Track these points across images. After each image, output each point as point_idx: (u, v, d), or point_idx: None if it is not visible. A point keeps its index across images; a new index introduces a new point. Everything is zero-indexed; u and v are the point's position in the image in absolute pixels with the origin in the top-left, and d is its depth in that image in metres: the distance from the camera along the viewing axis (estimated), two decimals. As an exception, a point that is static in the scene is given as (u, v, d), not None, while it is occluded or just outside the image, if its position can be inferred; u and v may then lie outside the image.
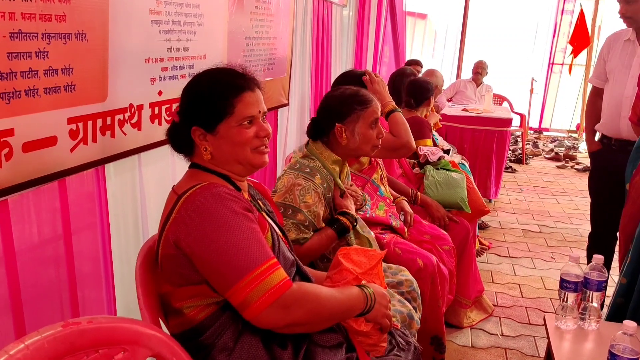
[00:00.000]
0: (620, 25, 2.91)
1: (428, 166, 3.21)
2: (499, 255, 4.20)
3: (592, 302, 1.87)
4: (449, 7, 9.22)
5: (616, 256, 2.93)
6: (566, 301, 1.88)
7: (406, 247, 2.46)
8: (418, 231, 2.75)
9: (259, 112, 1.42)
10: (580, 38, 8.73)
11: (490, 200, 5.54)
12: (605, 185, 3.03)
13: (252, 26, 2.68)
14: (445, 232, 2.81)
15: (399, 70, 4.00)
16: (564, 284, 1.87)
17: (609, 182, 2.98)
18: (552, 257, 4.21)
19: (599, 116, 3.16)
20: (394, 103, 2.71)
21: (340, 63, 4.99)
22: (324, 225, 1.99)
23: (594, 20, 8.95)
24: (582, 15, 8.69)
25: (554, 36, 9.36)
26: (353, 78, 2.72)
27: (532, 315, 3.26)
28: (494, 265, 4.00)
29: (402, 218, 2.76)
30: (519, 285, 3.68)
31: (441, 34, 9.68)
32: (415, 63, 6.47)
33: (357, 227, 2.09)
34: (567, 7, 9.22)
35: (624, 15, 2.77)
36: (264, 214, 1.49)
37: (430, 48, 9.72)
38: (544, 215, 5.29)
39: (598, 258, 1.87)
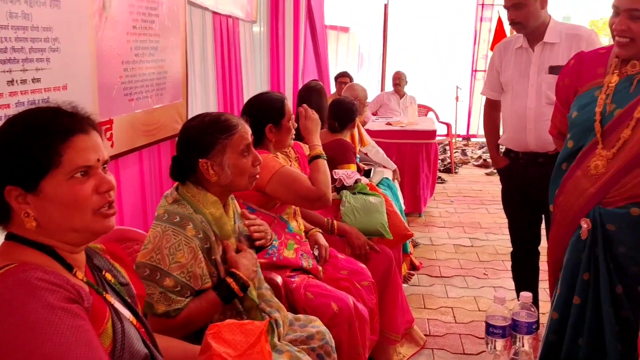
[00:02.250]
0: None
1: (344, 191, 2.96)
2: (431, 276, 3.99)
3: (523, 347, 1.64)
4: (370, 20, 9.14)
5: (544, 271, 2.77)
6: (494, 348, 1.64)
7: (319, 290, 2.18)
8: (334, 267, 2.48)
9: (98, 160, 1.10)
10: (500, 44, 8.83)
11: (420, 215, 5.38)
12: (520, 201, 2.86)
13: (131, 48, 2.35)
14: (364, 266, 2.56)
15: (306, 85, 3.76)
16: (491, 330, 1.63)
17: (523, 198, 2.82)
18: (484, 274, 4.04)
19: (499, 130, 3.02)
20: (321, 148, 2.42)
21: (254, 83, 4.70)
22: (209, 283, 1.66)
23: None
24: (500, 22, 8.79)
25: (474, 44, 9.44)
26: (270, 101, 2.44)
27: (466, 344, 3.05)
28: (426, 288, 3.79)
29: (316, 253, 2.49)
30: (451, 309, 3.47)
31: (365, 47, 9.59)
32: (344, 75, 6.30)
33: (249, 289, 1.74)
34: (486, 15, 9.33)
35: (513, 21, 2.63)
36: (109, 293, 1.16)
37: (355, 61, 9.61)
38: (475, 227, 5.16)
39: (526, 297, 1.65)
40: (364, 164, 4.16)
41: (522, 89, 2.72)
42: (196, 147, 1.71)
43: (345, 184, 2.99)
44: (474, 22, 9.38)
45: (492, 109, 3.01)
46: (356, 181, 3.02)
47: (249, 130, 1.80)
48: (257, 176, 1.82)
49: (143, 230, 2.09)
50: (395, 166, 4.45)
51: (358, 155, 4.08)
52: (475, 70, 9.55)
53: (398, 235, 2.99)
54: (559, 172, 1.95)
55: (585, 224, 1.80)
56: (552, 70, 2.59)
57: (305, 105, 2.51)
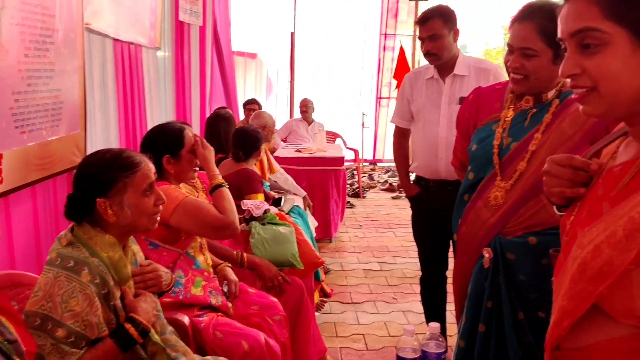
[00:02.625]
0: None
1: (253, 222, 2.91)
2: (342, 303, 4.01)
3: (432, 377, 1.66)
4: (278, 46, 9.21)
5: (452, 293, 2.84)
6: (405, 380, 1.65)
7: (229, 328, 2.12)
8: (244, 302, 2.42)
9: None
10: (403, 73, 9.17)
11: (331, 240, 5.42)
12: (430, 228, 2.94)
13: (23, 77, 2.21)
14: (275, 299, 2.51)
15: (215, 113, 3.70)
16: (401, 362, 1.64)
17: (433, 225, 2.90)
18: (394, 298, 4.11)
19: (408, 158, 3.10)
20: (221, 177, 2.36)
21: (159, 110, 4.56)
22: (106, 331, 1.55)
23: (413, 55, 9.46)
24: (402, 51, 9.14)
25: (378, 72, 9.74)
26: (168, 131, 2.36)
27: (378, 371, 3.07)
28: (337, 315, 3.79)
29: (225, 289, 2.42)
30: (363, 335, 3.49)
31: (273, 73, 9.64)
32: (253, 102, 6.27)
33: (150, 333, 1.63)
34: (388, 44, 9.66)
35: (428, 52, 2.74)
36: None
37: (264, 88, 9.63)
38: (383, 251, 5.25)
39: (434, 327, 1.68)
40: (275, 192, 4.14)
41: (434, 118, 2.80)
42: (94, 185, 1.60)
43: (254, 214, 2.94)
44: (378, 51, 9.69)
45: (402, 137, 3.08)
46: (265, 211, 2.98)
47: (153, 168, 1.71)
48: (158, 217, 1.74)
49: (36, 274, 1.94)
50: (304, 193, 4.47)
51: (267, 183, 4.06)
52: (380, 98, 9.84)
53: (309, 264, 2.98)
54: (461, 202, 2.01)
55: (487, 254, 1.86)
56: (462, 101, 2.70)
57: (197, 134, 2.45)
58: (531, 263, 1.78)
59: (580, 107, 0.98)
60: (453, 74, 2.78)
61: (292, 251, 2.83)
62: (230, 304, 2.33)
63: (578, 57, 0.94)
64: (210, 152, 2.37)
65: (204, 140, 2.37)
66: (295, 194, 4.35)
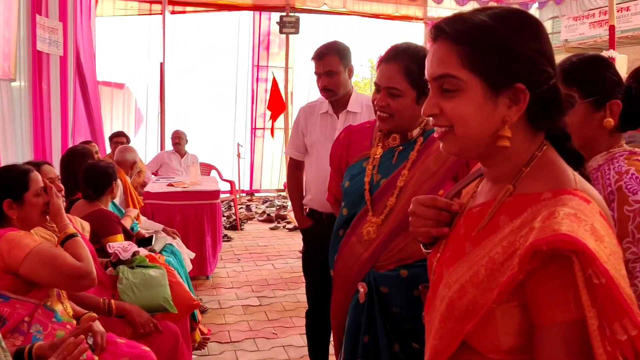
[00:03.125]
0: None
1: (121, 266, 2.73)
2: (220, 343, 3.86)
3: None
4: (147, 76, 8.92)
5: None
6: None
7: (94, 386, 1.93)
8: (113, 355, 2.23)
9: None
10: (277, 104, 9.27)
11: (208, 277, 5.24)
12: (319, 262, 2.93)
13: None
14: (147, 348, 2.35)
15: (70, 150, 3.47)
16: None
17: (323, 259, 2.90)
18: (273, 333, 4.04)
19: (302, 190, 3.09)
20: (72, 227, 2.20)
21: (14, 145, 4.21)
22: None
23: (285, 87, 9.61)
24: (275, 82, 9.25)
25: (252, 103, 9.75)
26: (11, 173, 2.16)
27: (259, 412, 2.97)
28: (216, 357, 3.65)
29: (90, 341, 2.22)
30: (243, 376, 3.39)
31: (142, 103, 9.29)
32: (120, 135, 5.98)
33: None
34: (261, 76, 9.73)
35: (325, 88, 2.76)
36: None
37: (132, 120, 9.24)
38: (262, 284, 5.18)
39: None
40: (145, 231, 3.94)
41: (327, 152, 2.80)
42: None
43: (121, 258, 2.76)
44: (251, 82, 9.72)
45: (296, 169, 3.07)
46: (134, 254, 2.81)
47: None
48: None
49: None
50: (161, 226, 4.27)
51: (137, 222, 3.85)
52: (255, 128, 9.83)
53: (184, 307, 2.84)
54: (336, 238, 2.02)
55: (362, 288, 1.87)
56: None
57: (47, 181, 2.27)
58: (404, 295, 1.82)
59: (440, 145, 1.03)
60: (346, 110, 2.82)
61: (164, 295, 2.68)
62: (96, 358, 2.14)
63: (438, 98, 0.99)
64: (60, 201, 2.21)
65: (54, 188, 2.21)
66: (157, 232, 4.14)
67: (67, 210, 3.04)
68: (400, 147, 1.89)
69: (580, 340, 0.81)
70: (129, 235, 3.22)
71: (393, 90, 1.79)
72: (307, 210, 3.04)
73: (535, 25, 0.98)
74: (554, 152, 1.00)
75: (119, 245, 2.80)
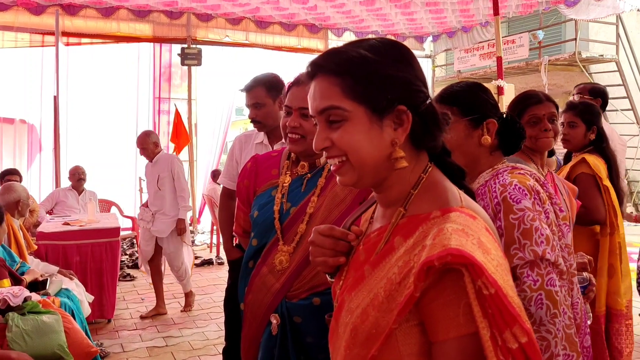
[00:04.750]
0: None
1: (10, 313, 2.53)
2: (124, 389, 3.66)
3: None
4: (39, 109, 8.47)
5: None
6: None
7: None
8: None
9: None
10: (180, 136, 9.08)
11: (109, 320, 4.97)
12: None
13: None
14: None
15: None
16: None
17: None
18: (181, 374, 3.88)
19: (233, 220, 3.03)
20: None
21: None
22: None
23: (189, 119, 9.45)
24: (177, 114, 9.08)
25: (155, 135, 9.49)
26: None
27: None
28: (119, 404, 3.45)
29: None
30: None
31: (35, 139, 8.78)
32: (12, 172, 5.64)
33: None
34: (163, 107, 9.53)
35: (253, 119, 2.75)
36: None
37: (25, 156, 8.70)
38: (168, 324, 4.98)
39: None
40: (45, 271, 3.69)
41: None
42: None
43: (11, 304, 2.56)
44: (152, 114, 9.48)
45: (229, 199, 3.00)
46: (25, 299, 2.61)
47: None
48: None
49: None
50: (56, 268, 4.03)
51: (29, 265, 3.60)
52: (158, 161, 9.56)
53: (81, 354, 2.67)
54: (246, 270, 1.98)
55: (274, 320, 1.84)
56: None
57: None
58: (317, 324, 1.79)
59: (337, 178, 1.05)
60: (282, 142, 2.79)
61: (58, 342, 2.51)
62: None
63: (327, 131, 1.02)
64: None
65: None
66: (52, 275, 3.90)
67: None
68: (309, 175, 1.90)
69: (476, 353, 0.83)
70: (17, 279, 2.99)
71: (306, 111, 1.78)
72: (237, 241, 2.97)
73: (407, 53, 1.04)
74: (439, 172, 1.06)
75: (7, 290, 2.60)
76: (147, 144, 5.21)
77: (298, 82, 1.84)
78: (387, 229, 1.02)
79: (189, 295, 5.48)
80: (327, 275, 1.19)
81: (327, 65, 1.01)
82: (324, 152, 1.04)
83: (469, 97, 1.70)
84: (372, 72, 0.99)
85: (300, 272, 1.84)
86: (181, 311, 5.35)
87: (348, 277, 1.08)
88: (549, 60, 10.45)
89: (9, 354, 2.36)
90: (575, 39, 10.16)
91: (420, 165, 1.04)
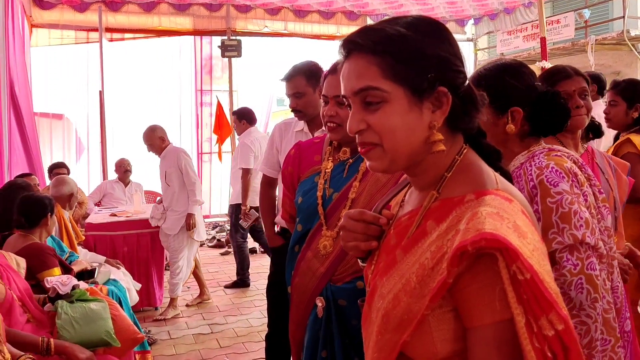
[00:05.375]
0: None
1: (60, 301, 2.62)
2: (171, 374, 3.76)
3: None
4: (86, 104, 8.71)
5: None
6: None
7: None
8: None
9: None
10: (222, 127, 9.20)
11: (157, 308, 5.10)
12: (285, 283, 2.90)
13: None
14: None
15: (8, 184, 3.34)
16: None
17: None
18: (226, 360, 3.96)
19: (275, 208, 3.05)
20: None
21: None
22: None
23: (231, 109, 9.55)
24: (219, 106, 9.19)
25: (197, 127, 9.65)
26: None
27: None
28: (166, 389, 3.54)
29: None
30: (195, 407, 3.29)
31: (82, 133, 9.05)
32: (60, 166, 5.82)
33: None
34: (205, 100, 9.66)
35: (294, 109, 2.76)
36: None
37: (73, 150, 8.98)
38: (213, 311, 5.08)
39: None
40: (92, 261, 3.81)
41: None
42: None
43: (60, 292, 2.65)
44: (195, 107, 9.62)
45: (269, 187, 3.03)
46: (74, 287, 2.70)
47: None
48: None
49: None
50: (103, 258, 4.13)
51: (78, 255, 3.72)
52: (201, 153, 9.73)
53: (127, 340, 2.74)
54: (292, 254, 2.01)
55: (320, 303, 1.87)
56: None
57: None
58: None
59: (367, 163, 1.01)
60: (322, 129, 2.80)
61: (106, 328, 2.59)
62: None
63: (363, 113, 0.97)
64: None
65: None
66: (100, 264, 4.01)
67: (0, 246, 2.92)
68: (350, 160, 1.91)
69: (511, 339, 0.81)
70: (66, 268, 3.10)
71: (339, 99, 1.80)
72: (279, 228, 2.99)
73: (444, 30, 1.00)
74: (474, 154, 1.02)
75: (57, 279, 2.69)
76: (154, 140, 5.09)
77: (334, 71, 1.85)
78: (418, 213, 0.99)
79: (172, 302, 5.02)
80: (359, 260, 1.19)
81: (364, 43, 0.96)
82: (356, 136, 1.00)
83: (495, 82, 1.62)
84: (413, 50, 0.94)
85: (344, 256, 1.85)
86: (154, 319, 4.86)
87: (380, 262, 1.06)
88: (595, 40, 10.09)
89: (63, 343, 2.42)
90: (624, 17, 9.76)
91: (455, 147, 1.00)
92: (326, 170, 1.94)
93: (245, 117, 5.83)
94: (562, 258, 1.42)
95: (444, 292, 0.86)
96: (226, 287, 5.84)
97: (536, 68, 7.15)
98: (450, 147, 0.99)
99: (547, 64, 7.23)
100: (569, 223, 1.43)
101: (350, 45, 0.98)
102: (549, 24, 9.72)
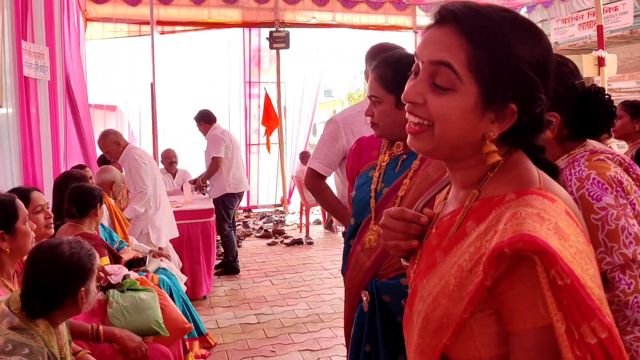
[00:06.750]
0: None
1: (111, 290, 2.68)
2: (218, 363, 3.81)
3: None
4: (138, 97, 8.91)
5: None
6: None
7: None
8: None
9: None
10: (270, 119, 9.26)
11: (205, 297, 5.19)
12: None
13: None
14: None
15: (64, 174, 3.44)
16: None
17: None
18: (272, 351, 3.98)
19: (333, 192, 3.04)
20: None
21: (4, 173, 4.17)
22: None
23: (278, 102, 9.61)
24: (267, 98, 9.26)
25: (246, 119, 9.75)
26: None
27: None
28: (214, 378, 3.59)
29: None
30: (241, 397, 3.32)
31: (135, 125, 9.28)
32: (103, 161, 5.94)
33: None
34: (253, 92, 9.74)
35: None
36: None
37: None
38: (260, 301, 5.12)
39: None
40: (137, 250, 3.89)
41: None
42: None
43: (112, 282, 2.72)
44: (243, 98, 9.71)
45: (317, 179, 2.79)
46: (124, 277, 2.76)
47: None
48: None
49: None
50: (148, 248, 4.15)
51: (127, 243, 3.81)
52: (249, 145, 9.83)
53: (176, 330, 2.79)
54: (347, 248, 2.02)
55: (365, 297, 1.86)
56: None
57: None
58: None
59: (409, 138, 0.96)
60: None
61: (155, 318, 2.64)
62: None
63: (426, 87, 0.91)
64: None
65: None
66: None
67: (53, 235, 3.01)
68: (404, 156, 1.88)
69: (552, 346, 0.77)
70: (116, 257, 3.17)
71: (373, 98, 1.81)
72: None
73: (550, 53, 0.93)
74: (520, 153, 0.97)
75: (108, 268, 2.76)
76: (108, 146, 4.73)
77: (371, 72, 1.85)
78: (459, 213, 0.96)
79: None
80: (402, 260, 1.16)
81: (467, 23, 0.89)
82: (407, 105, 0.94)
83: None
84: (508, 57, 0.87)
85: (388, 252, 1.83)
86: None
87: (421, 263, 1.03)
88: (657, 27, 9.66)
89: (112, 330, 2.50)
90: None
91: (502, 150, 0.95)
92: (382, 164, 1.92)
93: (202, 119, 6.30)
94: (615, 278, 1.33)
95: (481, 295, 0.83)
96: (216, 274, 5.90)
97: (592, 58, 6.90)
98: (498, 150, 0.94)
99: (604, 53, 6.97)
100: (617, 241, 1.33)
101: (451, 17, 0.91)
102: (606, 12, 9.34)
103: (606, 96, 1.52)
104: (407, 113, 0.95)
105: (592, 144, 1.56)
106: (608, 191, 1.38)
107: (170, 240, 4.95)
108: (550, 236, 0.78)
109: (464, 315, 0.85)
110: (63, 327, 1.88)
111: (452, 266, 0.90)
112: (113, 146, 4.70)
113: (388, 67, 1.78)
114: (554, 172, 0.98)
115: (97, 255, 1.92)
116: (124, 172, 4.77)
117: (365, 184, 1.96)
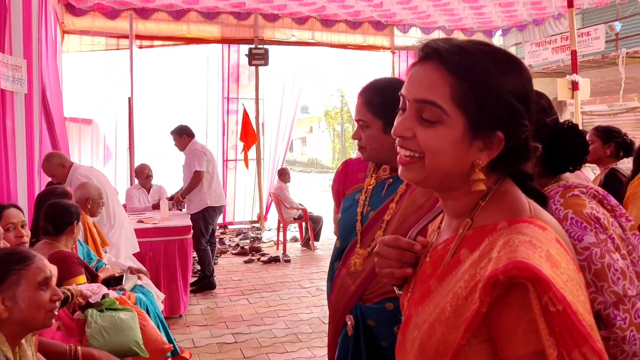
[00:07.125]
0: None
1: (90, 310, 2.63)
2: (195, 384, 3.75)
3: None
4: (115, 110, 8.82)
5: None
6: None
7: None
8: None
9: None
10: (249, 135, 9.25)
11: (181, 316, 5.12)
12: None
13: None
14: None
15: (46, 191, 3.38)
16: None
17: None
18: (250, 371, 3.94)
19: None
20: None
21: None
22: None
23: (257, 118, 9.60)
24: (245, 114, 9.25)
25: (223, 134, 9.71)
26: None
27: None
28: (190, 399, 3.53)
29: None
30: (219, 418, 3.27)
31: (110, 139, 9.17)
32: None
33: None
34: (232, 107, 9.72)
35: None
36: None
37: (101, 155, 9.10)
38: (237, 320, 5.07)
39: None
40: (120, 268, 3.83)
41: None
42: None
43: (90, 301, 2.66)
44: (221, 114, 9.69)
45: None
46: (104, 296, 2.71)
47: (48, 265, 1.74)
48: (56, 312, 1.72)
49: None
50: (125, 265, 4.09)
51: (105, 261, 3.74)
52: (227, 160, 9.78)
53: (155, 351, 2.75)
54: (332, 271, 2.00)
55: (349, 321, 1.85)
56: None
57: None
58: (390, 329, 1.77)
59: (400, 169, 0.99)
60: None
61: (134, 338, 2.59)
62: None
63: (414, 122, 0.95)
64: None
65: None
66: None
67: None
68: (390, 180, 1.88)
69: None
70: (93, 276, 3.11)
71: (361, 122, 1.83)
72: None
73: (529, 81, 0.97)
74: (510, 182, 1.00)
75: (87, 287, 2.70)
76: (53, 169, 4.65)
77: (358, 96, 1.86)
78: (453, 241, 0.98)
79: None
80: (395, 288, 1.17)
81: (448, 58, 0.93)
82: (397, 139, 0.97)
83: None
84: (491, 90, 0.91)
85: (374, 276, 1.82)
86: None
87: (415, 291, 1.05)
88: (627, 53, 9.93)
89: (91, 352, 2.44)
90: (656, 30, 9.62)
91: (492, 178, 0.98)
92: (368, 187, 1.93)
93: (185, 132, 6.29)
94: (610, 315, 1.34)
95: (477, 322, 0.84)
96: (192, 292, 5.82)
97: (567, 81, 7.06)
98: (487, 179, 0.97)
99: (578, 77, 7.13)
100: (606, 280, 1.34)
101: (433, 53, 0.95)
102: (578, 36, 9.58)
103: (579, 132, 1.52)
104: (398, 147, 0.98)
105: (566, 177, 1.55)
106: (588, 229, 1.38)
107: (148, 258, 4.88)
108: (542, 263, 0.81)
109: (461, 342, 0.86)
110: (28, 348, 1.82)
111: (448, 294, 0.91)
112: (58, 169, 4.62)
113: (375, 92, 1.80)
114: (542, 200, 1.02)
115: (29, 268, 1.68)
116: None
117: (351, 206, 1.95)
